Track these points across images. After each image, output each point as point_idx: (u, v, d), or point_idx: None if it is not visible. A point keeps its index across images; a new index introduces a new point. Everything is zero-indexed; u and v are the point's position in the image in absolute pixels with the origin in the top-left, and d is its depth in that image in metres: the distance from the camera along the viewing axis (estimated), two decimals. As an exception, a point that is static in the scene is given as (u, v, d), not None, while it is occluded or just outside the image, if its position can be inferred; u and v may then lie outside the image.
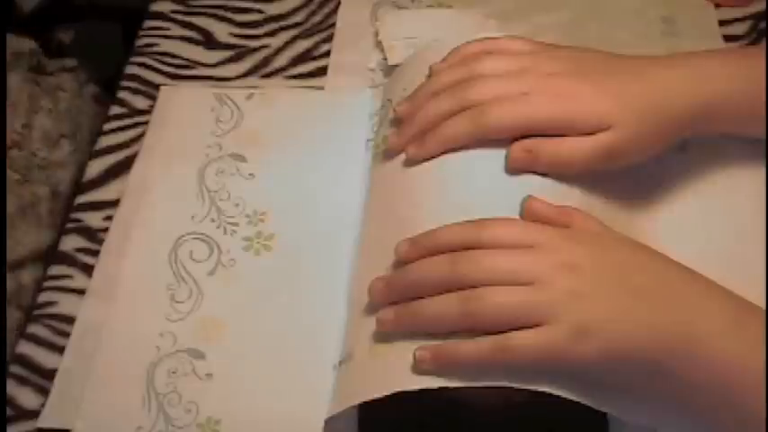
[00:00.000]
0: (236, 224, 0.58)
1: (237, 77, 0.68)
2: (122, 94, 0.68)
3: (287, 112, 0.65)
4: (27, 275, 0.61)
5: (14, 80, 0.70)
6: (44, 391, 0.51)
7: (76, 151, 0.71)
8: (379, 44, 0.69)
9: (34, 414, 0.50)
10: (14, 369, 0.52)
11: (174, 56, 0.70)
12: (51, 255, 0.59)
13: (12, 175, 0.63)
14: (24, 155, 0.66)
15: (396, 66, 0.64)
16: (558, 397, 0.41)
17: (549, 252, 0.43)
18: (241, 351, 0.52)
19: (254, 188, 0.60)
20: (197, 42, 0.71)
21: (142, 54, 0.70)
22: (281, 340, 0.52)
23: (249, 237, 0.57)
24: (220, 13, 0.74)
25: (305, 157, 0.62)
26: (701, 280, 0.43)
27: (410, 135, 0.53)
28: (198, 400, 0.50)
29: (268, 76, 0.68)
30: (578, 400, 0.41)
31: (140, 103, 0.67)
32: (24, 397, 0.51)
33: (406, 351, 0.43)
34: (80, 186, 0.62)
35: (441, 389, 0.42)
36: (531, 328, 0.41)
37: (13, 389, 0.52)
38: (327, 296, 0.54)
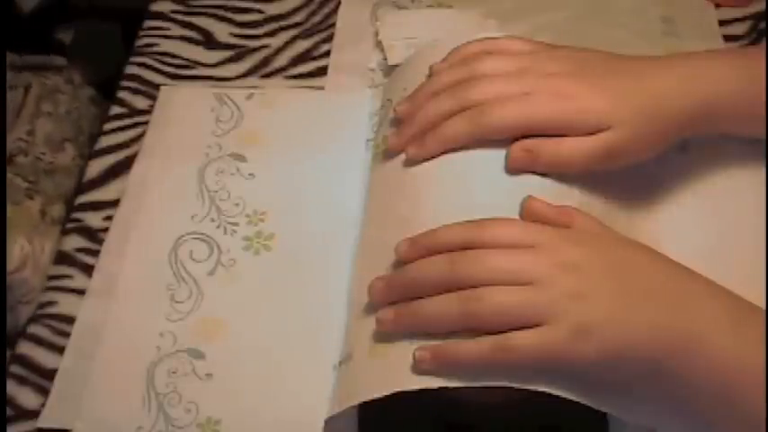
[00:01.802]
0: (236, 224, 0.58)
1: (237, 77, 0.68)
2: (122, 94, 0.68)
3: (287, 112, 0.65)
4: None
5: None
6: (44, 391, 0.51)
7: (80, 155, 0.71)
8: (379, 44, 0.69)
9: (34, 414, 0.50)
10: (14, 369, 0.53)
11: (174, 56, 0.70)
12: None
13: (20, 183, 0.63)
14: (30, 160, 0.66)
15: (396, 66, 0.64)
16: (557, 397, 0.41)
17: (549, 252, 0.43)
18: (241, 351, 0.52)
19: (254, 188, 0.60)
20: (197, 42, 0.71)
21: (142, 54, 0.70)
22: (281, 340, 0.52)
23: (249, 236, 0.57)
24: (220, 13, 0.74)
25: (305, 157, 0.62)
26: (701, 280, 0.43)
27: (410, 135, 0.53)
28: (198, 400, 0.50)
29: (268, 76, 0.68)
30: (578, 400, 0.41)
31: (140, 103, 0.67)
32: (24, 397, 0.51)
33: (405, 351, 0.43)
34: (80, 186, 0.62)
35: (441, 389, 0.42)
36: (530, 328, 0.41)
37: (13, 389, 0.52)
38: (327, 296, 0.54)
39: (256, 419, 0.49)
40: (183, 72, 0.69)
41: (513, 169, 0.50)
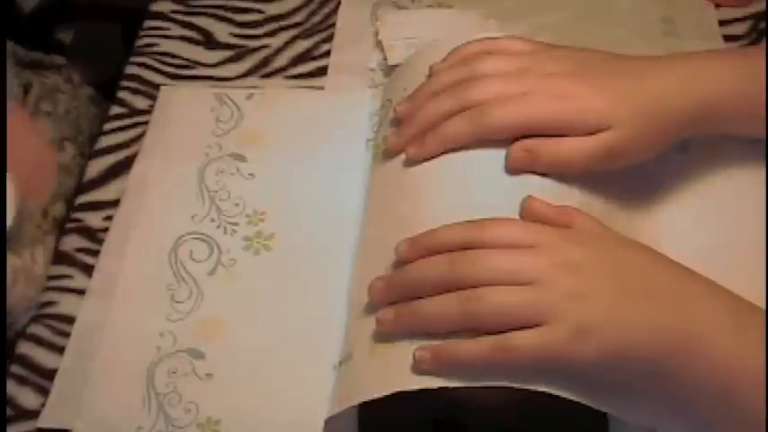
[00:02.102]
0: (236, 224, 0.58)
1: (237, 77, 0.68)
2: (122, 94, 0.68)
3: (287, 112, 0.65)
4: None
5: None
6: (44, 391, 0.51)
7: (80, 155, 0.70)
8: (379, 44, 0.69)
9: (34, 414, 0.50)
10: (14, 369, 0.52)
11: (174, 56, 0.70)
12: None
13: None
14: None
15: (396, 66, 0.64)
16: (557, 397, 0.41)
17: (549, 252, 0.43)
18: (241, 351, 0.52)
19: (254, 188, 0.60)
20: (197, 42, 0.71)
21: (142, 54, 0.70)
22: (281, 340, 0.52)
23: (249, 236, 0.57)
24: (220, 13, 0.74)
25: (305, 157, 0.62)
26: (701, 280, 0.43)
27: (410, 135, 0.53)
28: (198, 400, 0.50)
29: (268, 76, 0.68)
30: (578, 400, 0.41)
31: (140, 103, 0.67)
32: (24, 397, 0.51)
33: (405, 351, 0.43)
34: (80, 186, 0.62)
35: (440, 389, 0.42)
36: (531, 328, 0.41)
37: (13, 389, 0.52)
38: (327, 296, 0.54)
39: (256, 420, 0.49)
40: (183, 72, 0.69)
41: (513, 169, 0.50)
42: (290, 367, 0.51)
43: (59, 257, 0.58)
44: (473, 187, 0.50)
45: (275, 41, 0.71)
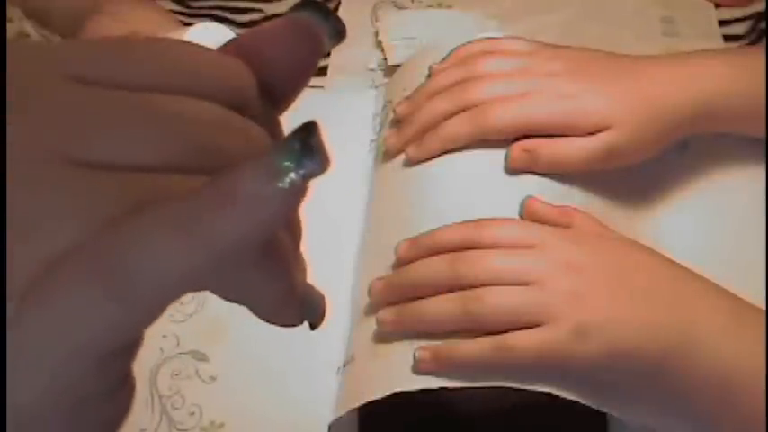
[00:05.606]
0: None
1: (238, 78, 0.68)
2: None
3: (289, 113, 0.64)
4: None
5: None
6: (47, 393, 0.51)
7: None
8: (379, 44, 0.69)
9: (37, 415, 0.50)
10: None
11: (174, 57, 0.70)
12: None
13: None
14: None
15: (396, 66, 0.64)
16: (557, 397, 0.41)
17: (549, 252, 0.43)
18: (245, 354, 0.52)
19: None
20: (197, 43, 0.71)
21: (143, 55, 0.70)
22: (285, 343, 0.52)
23: (253, 238, 0.57)
24: (221, 13, 0.73)
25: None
26: (701, 280, 0.43)
27: (410, 135, 0.53)
28: (201, 402, 0.50)
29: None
30: (578, 400, 0.41)
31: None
32: (27, 398, 0.51)
33: (406, 351, 0.43)
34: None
35: (440, 389, 0.42)
36: (531, 328, 0.41)
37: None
38: (331, 298, 0.53)
39: (260, 423, 0.49)
40: (185, 73, 0.69)
41: (513, 169, 0.50)
42: (293, 370, 0.51)
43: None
44: (473, 187, 0.50)
45: (275, 41, 0.71)
